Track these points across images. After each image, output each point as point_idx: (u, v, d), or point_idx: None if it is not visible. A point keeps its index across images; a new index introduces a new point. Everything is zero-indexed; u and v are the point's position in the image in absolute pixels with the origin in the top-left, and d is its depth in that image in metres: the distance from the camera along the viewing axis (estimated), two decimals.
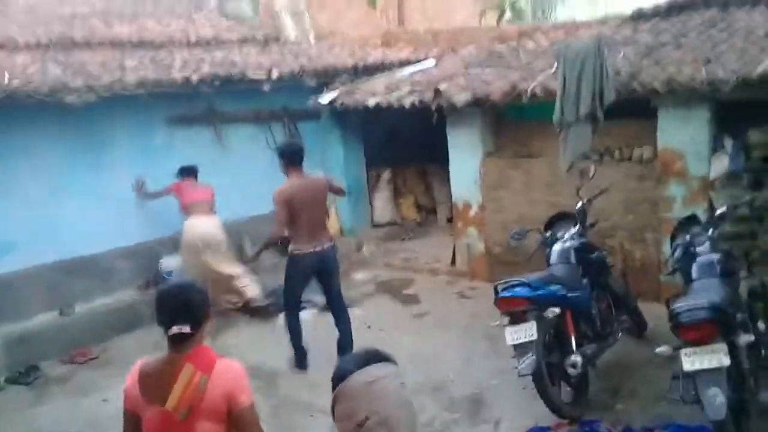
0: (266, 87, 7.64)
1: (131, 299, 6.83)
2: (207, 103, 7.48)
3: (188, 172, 6.95)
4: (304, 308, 5.87)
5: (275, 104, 8.09)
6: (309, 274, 5.51)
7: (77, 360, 6.13)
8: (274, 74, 7.71)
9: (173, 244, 7.31)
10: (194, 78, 7.08)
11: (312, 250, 5.34)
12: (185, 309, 2.45)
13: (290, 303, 5.58)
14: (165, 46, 8.75)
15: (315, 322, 6.27)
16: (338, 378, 1.83)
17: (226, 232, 6.92)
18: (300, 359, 5.64)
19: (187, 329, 2.41)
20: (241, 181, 7.79)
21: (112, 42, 8.44)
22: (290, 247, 5.42)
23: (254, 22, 10.72)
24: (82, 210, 6.64)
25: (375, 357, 1.85)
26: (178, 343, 2.44)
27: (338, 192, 5.98)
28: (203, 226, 6.64)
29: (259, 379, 5.49)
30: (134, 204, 7.08)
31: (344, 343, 5.59)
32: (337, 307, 5.67)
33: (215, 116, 7.63)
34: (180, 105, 7.26)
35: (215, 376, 2.40)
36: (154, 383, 2.41)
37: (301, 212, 5.26)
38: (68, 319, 6.49)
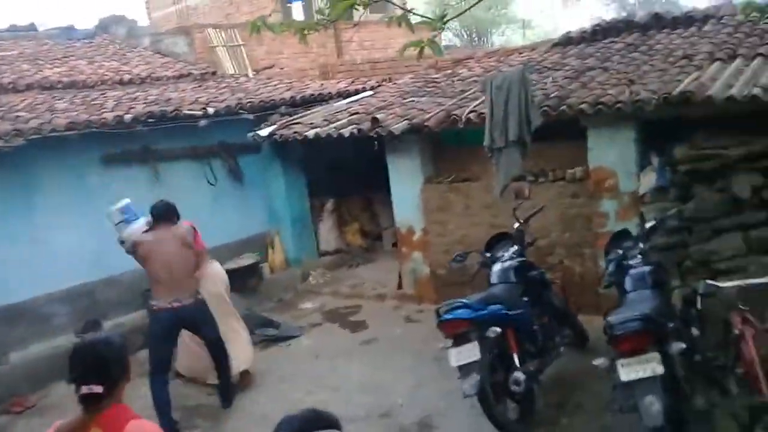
0: (203, 123, 7.60)
1: (69, 344, 6.57)
2: (142, 141, 7.36)
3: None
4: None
5: (214, 139, 8.03)
6: (168, 331, 5.16)
7: (14, 410, 5.90)
8: (211, 110, 7.68)
9: (112, 285, 7.16)
10: (127, 117, 6.99)
11: (167, 305, 5.06)
12: (98, 366, 2.28)
13: (153, 363, 5.13)
14: (97, 86, 8.65)
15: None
16: None
17: None
18: None
19: (99, 389, 2.24)
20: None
21: (41, 84, 8.31)
22: (150, 302, 5.20)
23: (190, 58, 10.69)
24: (15, 255, 6.41)
25: (317, 423, 1.69)
26: (89, 403, 2.27)
27: (197, 255, 5.36)
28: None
29: (205, 419, 5.38)
30: (68, 246, 6.87)
31: (223, 393, 5.48)
32: (215, 356, 5.44)
33: (151, 154, 7.50)
34: (114, 144, 7.13)
35: None
36: None
37: (155, 265, 5.09)
38: (3, 368, 6.24)
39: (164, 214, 5.28)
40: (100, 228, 7.06)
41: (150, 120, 7.19)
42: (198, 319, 5.25)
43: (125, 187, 7.29)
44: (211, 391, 5.78)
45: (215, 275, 5.92)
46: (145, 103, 7.70)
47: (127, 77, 9.20)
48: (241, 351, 5.80)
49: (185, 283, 5.14)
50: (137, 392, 5.98)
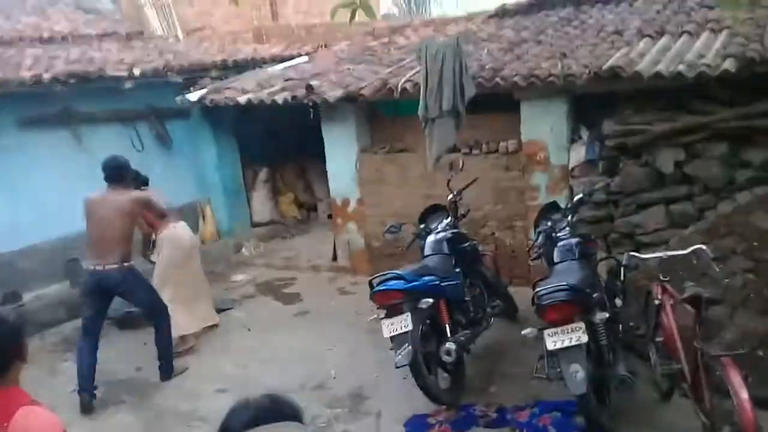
0: (128, 85, 7.25)
1: None
2: (63, 103, 6.97)
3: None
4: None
5: (140, 103, 7.68)
6: (90, 294, 5.11)
7: None
8: (137, 71, 7.33)
9: (32, 255, 6.85)
10: (46, 76, 6.58)
11: (92, 267, 5.04)
12: None
13: (83, 323, 5.18)
14: (14, 42, 8.11)
15: None
16: None
17: None
18: (82, 397, 4.96)
19: None
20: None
21: None
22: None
23: (116, 16, 10.16)
24: None
25: (274, 414, 1.43)
26: None
27: (157, 215, 5.50)
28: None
29: (131, 394, 5.23)
30: None
31: (160, 360, 5.39)
32: (154, 324, 5.40)
33: (72, 117, 7.11)
34: (32, 106, 6.71)
35: (14, 427, 2.02)
36: None
37: (91, 226, 5.07)
38: None
39: (112, 175, 5.14)
40: (17, 195, 6.73)
41: (71, 80, 6.78)
42: (124, 288, 5.14)
43: (44, 152, 6.93)
44: (140, 366, 5.63)
45: (176, 238, 5.87)
46: (66, 62, 7.27)
47: (47, 34, 8.65)
48: (182, 316, 5.76)
49: (113, 249, 5.03)
50: (60, 366, 5.79)
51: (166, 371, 5.38)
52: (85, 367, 5.02)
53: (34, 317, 6.49)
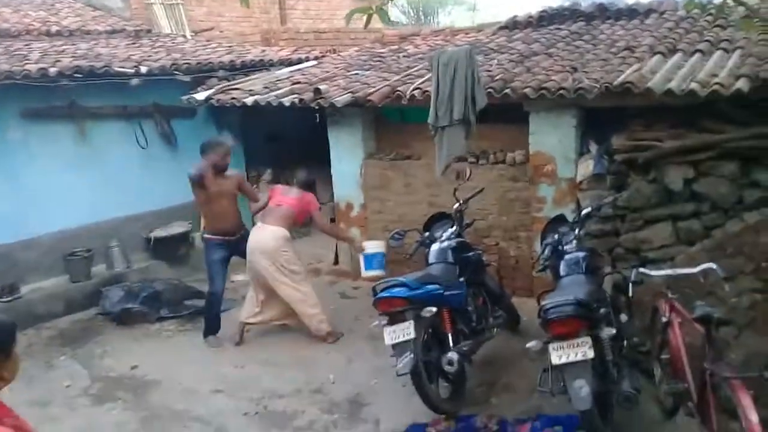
0: (135, 81, 7.21)
1: None
2: (69, 97, 6.92)
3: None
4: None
5: (146, 100, 7.63)
6: None
7: None
8: (144, 68, 7.30)
9: (31, 248, 6.80)
10: (53, 70, 6.55)
11: None
12: None
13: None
14: (21, 35, 8.11)
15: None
16: None
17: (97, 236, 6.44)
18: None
19: None
20: (108, 180, 7.32)
21: None
22: None
23: (124, 14, 10.15)
24: None
25: None
26: None
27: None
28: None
29: (129, 391, 5.17)
30: None
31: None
32: None
33: (78, 111, 7.07)
34: (37, 99, 6.67)
35: None
36: None
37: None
38: None
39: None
40: (19, 187, 6.68)
41: (77, 75, 6.76)
42: None
43: (47, 145, 6.89)
44: (135, 364, 5.58)
45: None
46: (73, 56, 7.24)
47: (54, 29, 8.67)
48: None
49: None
50: (56, 361, 5.72)
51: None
52: None
53: (32, 310, 6.46)
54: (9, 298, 6.42)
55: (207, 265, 5.87)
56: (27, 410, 2.07)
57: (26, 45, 7.66)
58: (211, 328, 5.90)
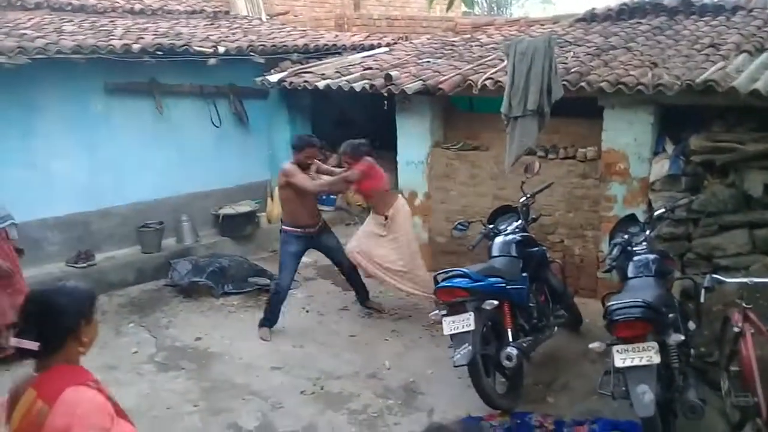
0: (212, 61, 7.40)
1: (61, 273, 6.51)
2: (148, 73, 7.17)
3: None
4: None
5: (221, 80, 7.83)
6: None
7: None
8: (221, 49, 7.47)
9: (107, 217, 7.09)
10: (135, 46, 6.78)
11: None
12: (38, 319, 1.98)
13: None
14: (107, 12, 8.43)
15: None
16: None
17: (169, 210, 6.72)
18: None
19: (32, 346, 1.95)
20: (182, 156, 7.57)
21: (50, 5, 8.12)
22: None
23: None
24: (8, 177, 6.25)
25: None
26: (35, 360, 2.01)
27: None
28: None
29: (192, 361, 5.35)
30: (63, 174, 6.73)
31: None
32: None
33: (157, 88, 7.32)
34: (119, 74, 6.93)
35: (58, 408, 1.92)
36: (10, 405, 2.03)
37: None
38: None
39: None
40: (98, 158, 6.97)
41: (158, 52, 6.98)
42: None
43: (127, 119, 7.16)
44: (199, 336, 5.76)
45: None
46: (154, 34, 7.48)
47: (138, 7, 8.98)
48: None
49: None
50: (124, 328, 5.97)
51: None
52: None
53: (104, 277, 6.74)
54: (84, 265, 6.72)
55: (281, 256, 5.91)
56: (96, 374, 2.15)
57: (111, 21, 7.95)
58: (270, 320, 5.85)
